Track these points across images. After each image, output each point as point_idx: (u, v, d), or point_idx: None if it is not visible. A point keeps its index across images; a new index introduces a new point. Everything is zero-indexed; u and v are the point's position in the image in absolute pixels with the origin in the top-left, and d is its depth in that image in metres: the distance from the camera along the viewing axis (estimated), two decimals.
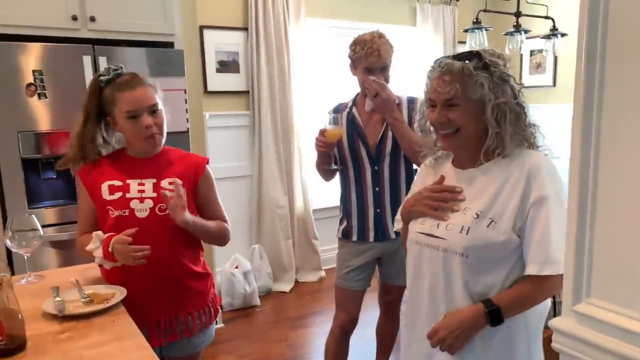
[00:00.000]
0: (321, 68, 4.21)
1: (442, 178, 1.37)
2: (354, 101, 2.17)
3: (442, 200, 1.31)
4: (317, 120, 4.00)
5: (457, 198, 1.30)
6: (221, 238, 1.74)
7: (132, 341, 1.23)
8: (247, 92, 3.87)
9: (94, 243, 1.51)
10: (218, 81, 3.75)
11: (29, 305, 1.34)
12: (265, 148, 3.89)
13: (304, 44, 4.00)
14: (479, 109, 1.23)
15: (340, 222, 2.22)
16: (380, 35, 2.06)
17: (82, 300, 1.43)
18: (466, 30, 3.39)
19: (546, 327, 1.75)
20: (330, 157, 2.12)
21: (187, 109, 2.81)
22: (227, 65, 3.79)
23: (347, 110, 2.15)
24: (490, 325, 1.21)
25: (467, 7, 4.59)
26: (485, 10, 3.27)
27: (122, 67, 1.60)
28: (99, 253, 1.51)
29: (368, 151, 2.08)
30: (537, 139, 1.31)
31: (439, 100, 1.25)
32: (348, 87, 2.37)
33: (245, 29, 3.79)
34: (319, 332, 3.19)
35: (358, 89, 2.15)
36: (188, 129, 2.81)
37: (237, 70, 3.83)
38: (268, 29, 3.77)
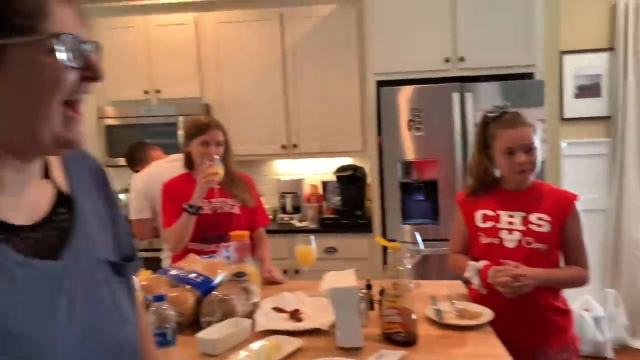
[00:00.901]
0: None
1: None
2: None
3: None
4: None
5: None
6: (574, 285, 1.76)
7: None
8: (608, 117, 3.53)
9: (470, 272, 1.70)
10: (575, 107, 3.56)
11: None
12: (628, 180, 3.45)
13: None
14: None
15: None
16: None
17: (454, 312, 1.64)
18: None
19: None
20: None
21: (544, 139, 2.80)
22: (586, 90, 3.55)
23: None
24: None
25: None
26: None
27: (508, 105, 1.77)
28: (476, 280, 1.69)
29: None
30: None
31: None
32: None
33: (611, 49, 3.47)
34: None
35: None
36: (544, 159, 2.79)
37: (598, 94, 3.54)
38: (638, 47, 3.36)
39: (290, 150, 3.32)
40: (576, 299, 3.35)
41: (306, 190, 3.48)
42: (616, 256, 3.52)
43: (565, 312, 1.73)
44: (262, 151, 3.35)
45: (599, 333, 3.21)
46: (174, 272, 1.65)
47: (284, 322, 1.56)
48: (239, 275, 1.66)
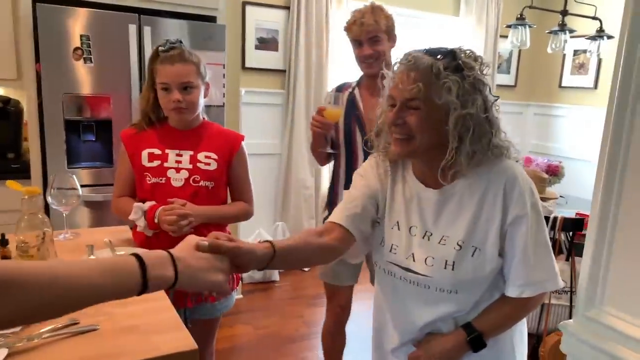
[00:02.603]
0: None
1: None
2: (358, 82, 1.99)
3: None
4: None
5: None
6: (239, 219, 1.86)
7: (159, 303, 1.29)
8: (284, 71, 3.90)
9: (136, 214, 1.60)
10: (256, 58, 3.79)
11: None
12: (297, 128, 3.93)
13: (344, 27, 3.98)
14: (442, 117, 1.07)
15: (324, 210, 2.09)
16: (374, 7, 1.90)
17: None
18: (509, 26, 3.32)
19: (557, 330, 1.74)
20: (327, 140, 1.95)
21: (224, 84, 2.86)
22: (266, 43, 3.82)
23: (350, 90, 1.97)
24: (472, 352, 1.16)
25: (513, 1, 4.48)
26: (531, 7, 3.19)
27: (181, 42, 1.65)
28: (141, 222, 1.60)
29: (364, 138, 1.89)
30: (509, 152, 1.14)
31: (399, 98, 1.09)
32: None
33: (287, 7, 3.80)
34: None
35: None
36: (224, 103, 2.86)
37: (276, 49, 3.86)
38: (310, 10, 3.78)
39: None
40: (251, 233, 3.70)
41: None
42: (285, 194, 4.02)
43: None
44: None
45: None
46: None
47: None
48: None
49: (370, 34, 1.86)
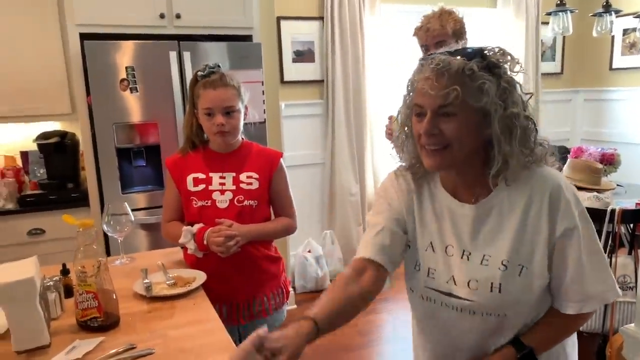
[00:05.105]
0: (396, 55, 4.15)
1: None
2: None
3: None
4: (391, 108, 3.98)
5: None
6: (283, 234, 1.88)
7: (211, 324, 1.34)
8: (322, 81, 3.93)
9: (185, 237, 1.66)
10: (294, 71, 3.84)
11: (122, 285, 1.50)
12: (338, 136, 3.94)
13: (379, 32, 3.97)
14: (479, 121, 0.99)
15: None
16: (442, 12, 1.89)
17: (167, 282, 1.57)
18: (549, 13, 3.19)
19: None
20: None
21: (264, 100, 2.92)
22: (302, 55, 3.86)
23: None
24: None
25: None
26: None
27: (219, 66, 1.71)
28: (191, 245, 1.65)
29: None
30: (547, 157, 1.06)
31: (431, 106, 0.99)
32: None
33: (321, 18, 3.83)
34: (388, 318, 3.23)
35: None
36: (265, 119, 2.92)
37: (312, 60, 3.89)
38: (343, 18, 3.79)
39: None
40: (300, 243, 3.74)
41: None
42: (331, 202, 4.03)
43: (277, 260, 1.86)
44: None
45: (319, 269, 3.66)
46: None
47: None
48: None
49: (436, 39, 1.87)
